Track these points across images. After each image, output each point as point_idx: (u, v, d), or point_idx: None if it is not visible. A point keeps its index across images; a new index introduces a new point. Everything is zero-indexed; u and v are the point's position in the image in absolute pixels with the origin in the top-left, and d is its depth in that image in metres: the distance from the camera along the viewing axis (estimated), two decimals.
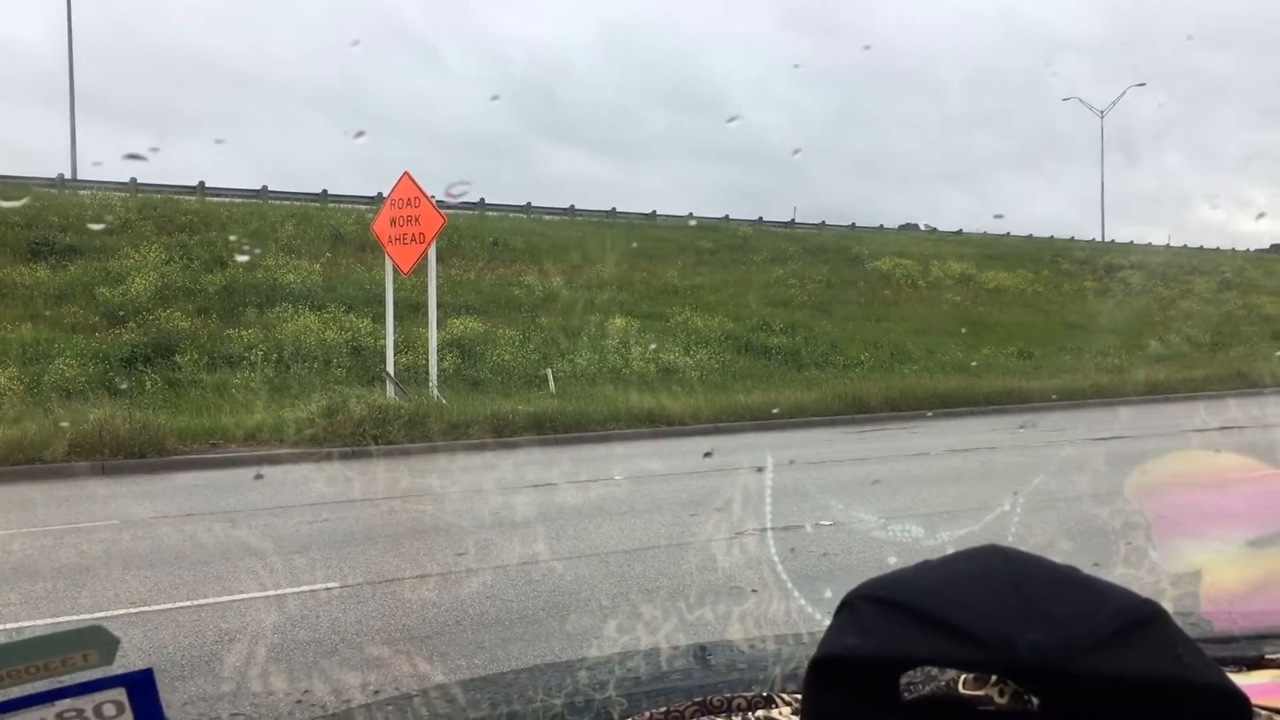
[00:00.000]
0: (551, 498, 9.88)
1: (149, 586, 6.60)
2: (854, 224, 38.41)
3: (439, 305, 18.54)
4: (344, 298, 22.14)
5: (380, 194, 22.08)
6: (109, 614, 5.94)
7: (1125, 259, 36.17)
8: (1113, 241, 42.01)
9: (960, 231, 38.82)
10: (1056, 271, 34.29)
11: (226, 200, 28.28)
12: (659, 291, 26.75)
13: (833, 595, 0.83)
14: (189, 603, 6.15)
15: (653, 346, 22.18)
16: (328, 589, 6.39)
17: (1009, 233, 39.46)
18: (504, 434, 15.03)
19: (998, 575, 0.77)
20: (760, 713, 1.02)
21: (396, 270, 17.38)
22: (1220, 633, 1.14)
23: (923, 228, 38.13)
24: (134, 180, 27.27)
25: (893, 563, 0.87)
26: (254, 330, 19.97)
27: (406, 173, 17.11)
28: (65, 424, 12.97)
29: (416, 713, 1.15)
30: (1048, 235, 40.34)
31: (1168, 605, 1.11)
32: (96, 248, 22.77)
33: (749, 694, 1.05)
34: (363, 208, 27.55)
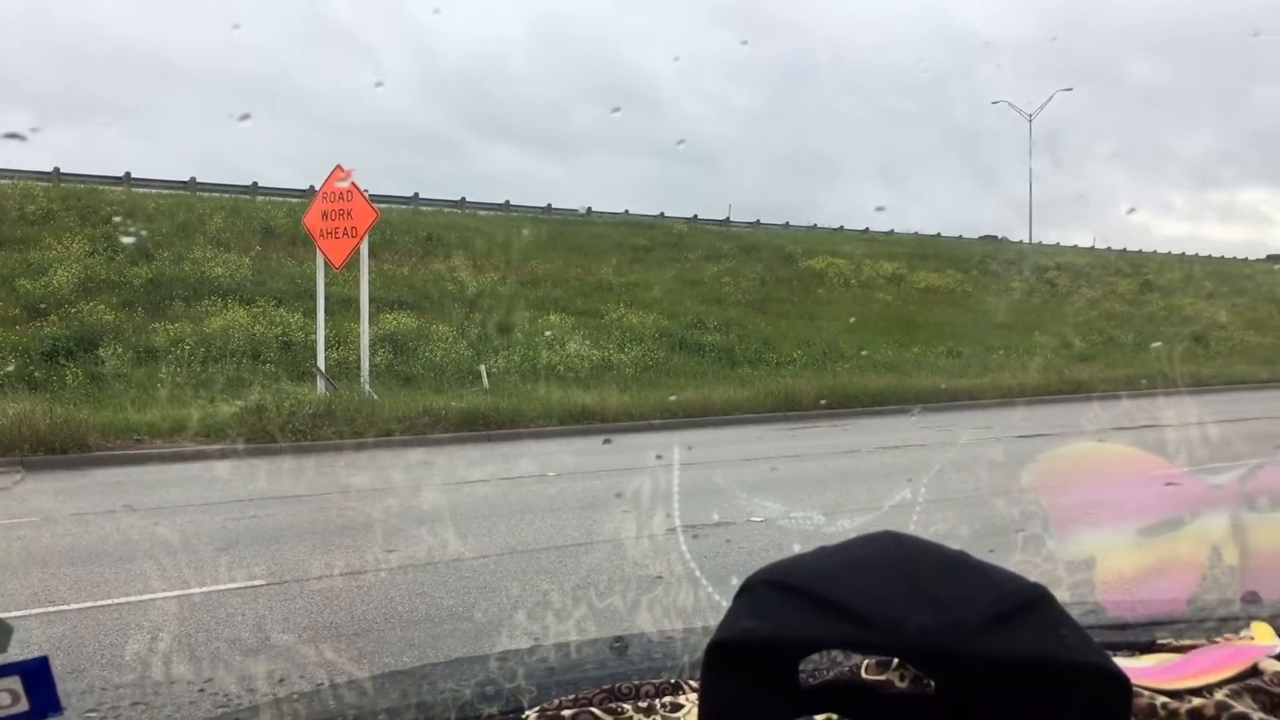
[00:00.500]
0: (482, 493, 9.84)
1: (68, 585, 6.45)
2: (788, 223, 38.74)
3: (371, 300, 18.37)
4: (274, 292, 21.82)
5: (312, 187, 21.79)
6: (26, 613, 5.79)
7: (1051, 260, 36.89)
8: (1040, 243, 42.83)
9: (892, 232, 39.34)
10: (985, 272, 34.87)
11: (154, 191, 27.72)
12: (594, 288, 26.75)
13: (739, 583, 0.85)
14: (108, 601, 6.03)
15: (586, 344, 22.19)
16: (253, 586, 6.30)
17: (939, 233, 40.08)
18: (436, 430, 14.94)
19: (891, 560, 0.79)
20: (668, 699, 1.03)
21: (328, 264, 17.17)
22: (1115, 619, 1.18)
23: (876, 216, 38.53)
24: (57, 170, 26.61)
25: (797, 549, 0.88)
26: (181, 324, 19.61)
27: (339, 165, 16.94)
28: None
29: (325, 705, 1.14)
30: (977, 236, 41.05)
31: (1065, 593, 1.14)
32: (17, 239, 22.20)
33: (657, 681, 1.06)
34: (294, 201, 27.16)
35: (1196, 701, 0.88)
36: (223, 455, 12.75)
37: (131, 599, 6.10)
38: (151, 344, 18.74)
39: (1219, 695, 0.90)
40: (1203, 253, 45.77)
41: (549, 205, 34.65)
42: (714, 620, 0.83)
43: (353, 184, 16.78)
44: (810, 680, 1.03)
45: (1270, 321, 34.23)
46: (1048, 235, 47.19)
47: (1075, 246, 41.89)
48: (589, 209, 35.00)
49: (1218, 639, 1.13)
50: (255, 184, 29.59)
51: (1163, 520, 1.06)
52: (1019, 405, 19.13)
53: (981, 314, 30.16)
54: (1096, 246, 43.04)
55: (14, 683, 0.76)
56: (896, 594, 0.75)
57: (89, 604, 5.98)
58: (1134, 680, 1.00)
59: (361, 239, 16.80)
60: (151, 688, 4.30)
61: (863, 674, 1.02)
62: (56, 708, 0.77)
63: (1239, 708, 0.87)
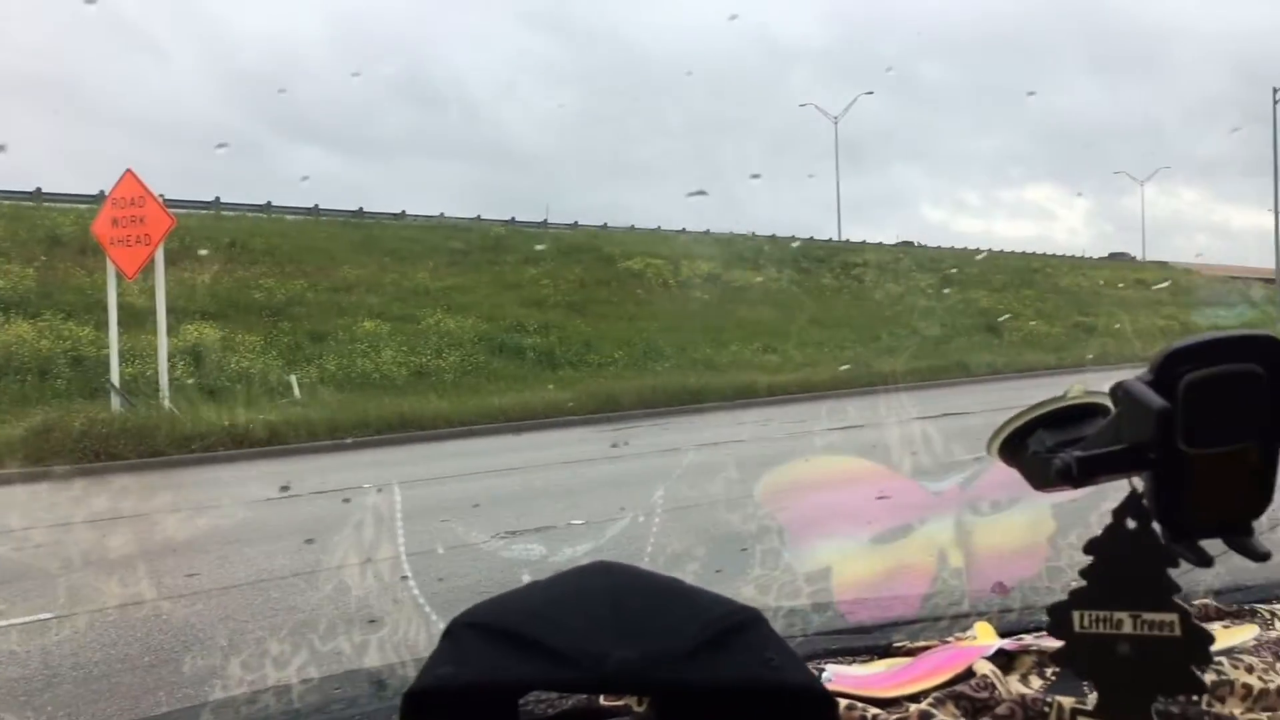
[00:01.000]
0: (286, 511, 9.50)
1: None
2: (606, 224, 38.99)
3: (171, 311, 17.54)
4: (62, 304, 20.54)
5: (102, 192, 20.63)
6: None
7: (859, 257, 38.38)
8: (848, 241, 44.46)
9: (708, 232, 40.11)
10: (797, 270, 35.97)
11: None
12: (410, 293, 26.27)
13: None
14: None
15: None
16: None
17: (753, 233, 41.08)
18: (243, 445, 14.39)
19: (597, 593, 0.78)
20: None
21: (120, 274, 16.31)
22: (854, 624, 1.21)
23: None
24: None
25: (526, 579, 0.86)
26: None
27: (129, 170, 16.11)
28: None
29: None
30: (788, 235, 42.27)
31: (805, 601, 1.16)
32: None
33: None
34: (82, 207, 25.59)
35: (904, 710, 0.91)
36: (5, 481, 11.91)
37: None
38: None
39: (924, 704, 0.93)
40: (995, 247, 48.53)
41: (361, 209, 33.81)
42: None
43: (145, 189, 15.99)
44: (548, 711, 1.02)
45: (1057, 312, 36.60)
46: (855, 233, 49.14)
47: (880, 244, 43.68)
48: (403, 212, 34.38)
49: (949, 639, 1.17)
50: (39, 189, 27.79)
51: (892, 527, 1.09)
52: (829, 399, 19.82)
53: (794, 311, 31.09)
54: (900, 243, 45.02)
55: None
56: (600, 628, 0.74)
57: None
58: (856, 689, 1.03)
59: (156, 246, 16.01)
60: None
61: (601, 700, 1.01)
62: None
63: (940, 716, 0.90)
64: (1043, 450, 0.83)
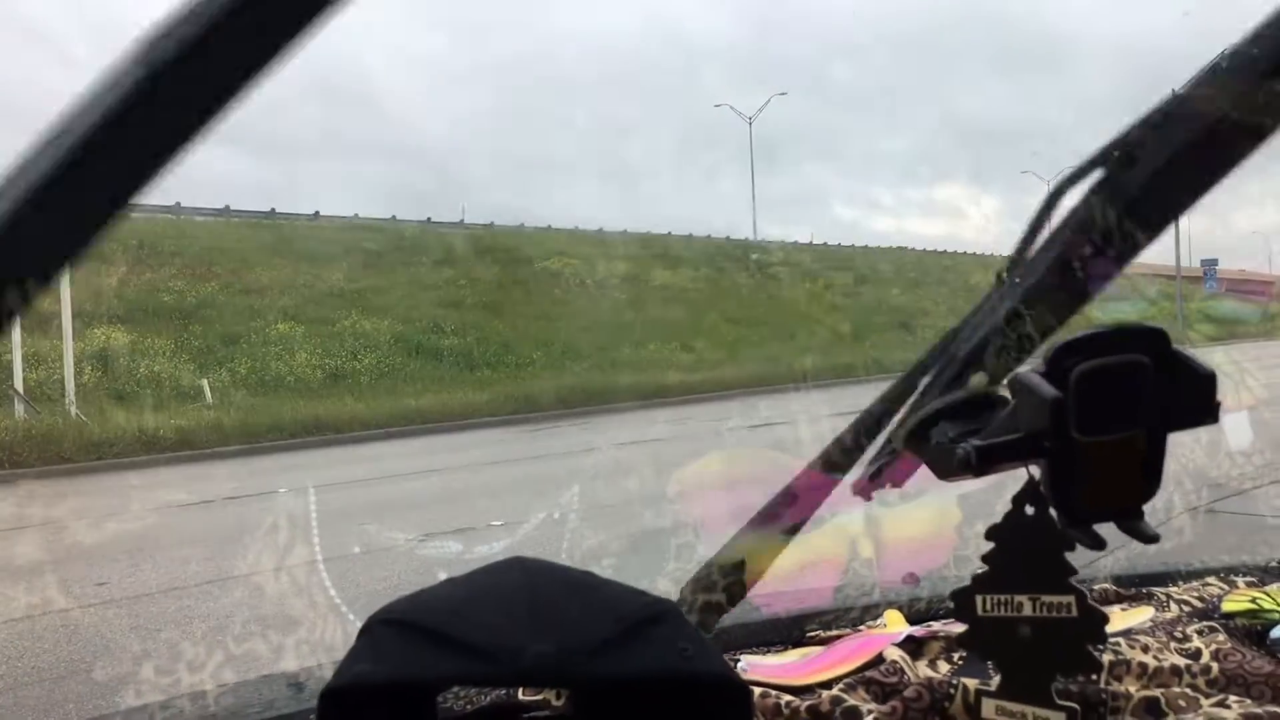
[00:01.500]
0: (199, 517, 9.29)
1: None
2: (523, 224, 38.82)
3: (76, 315, 17.07)
4: None
5: None
6: None
7: (775, 256, 38.76)
8: (764, 240, 44.89)
9: (625, 231, 40.16)
10: (714, 269, 36.21)
11: None
12: (324, 295, 25.87)
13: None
14: None
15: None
16: None
17: (670, 232, 41.22)
18: (153, 450, 14.04)
19: (513, 588, 0.79)
20: None
21: None
22: (769, 616, 1.23)
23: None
24: None
25: (442, 577, 0.86)
26: None
27: None
28: None
29: None
30: (705, 234, 42.51)
31: (720, 596, 1.18)
32: None
33: None
34: None
35: (817, 697, 0.93)
36: None
37: None
38: None
39: (836, 689, 0.95)
40: (908, 245, 49.43)
41: (273, 209, 33.20)
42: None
43: None
44: (466, 707, 1.02)
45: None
46: (770, 232, 49.65)
47: (796, 243, 44.17)
48: (316, 213, 33.83)
49: (861, 627, 1.20)
50: None
51: (804, 519, 1.11)
52: (744, 396, 19.98)
53: (711, 310, 31.29)
54: (815, 242, 45.59)
55: None
56: (516, 623, 0.75)
57: None
58: (771, 677, 1.05)
59: None
60: None
61: (520, 694, 1.01)
62: None
63: (851, 700, 0.92)
64: (945, 440, 0.85)
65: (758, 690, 0.95)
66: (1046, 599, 0.83)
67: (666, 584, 1.10)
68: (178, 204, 31.02)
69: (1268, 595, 1.15)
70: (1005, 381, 0.81)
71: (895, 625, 1.16)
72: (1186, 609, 1.21)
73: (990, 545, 0.86)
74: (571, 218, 40.58)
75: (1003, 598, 0.85)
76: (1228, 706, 0.89)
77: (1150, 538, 0.78)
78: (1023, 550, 0.84)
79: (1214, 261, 45.94)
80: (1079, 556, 0.83)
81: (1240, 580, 1.32)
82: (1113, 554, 1.17)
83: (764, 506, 1.08)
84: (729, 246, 40.57)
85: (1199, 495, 1.45)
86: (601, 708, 0.84)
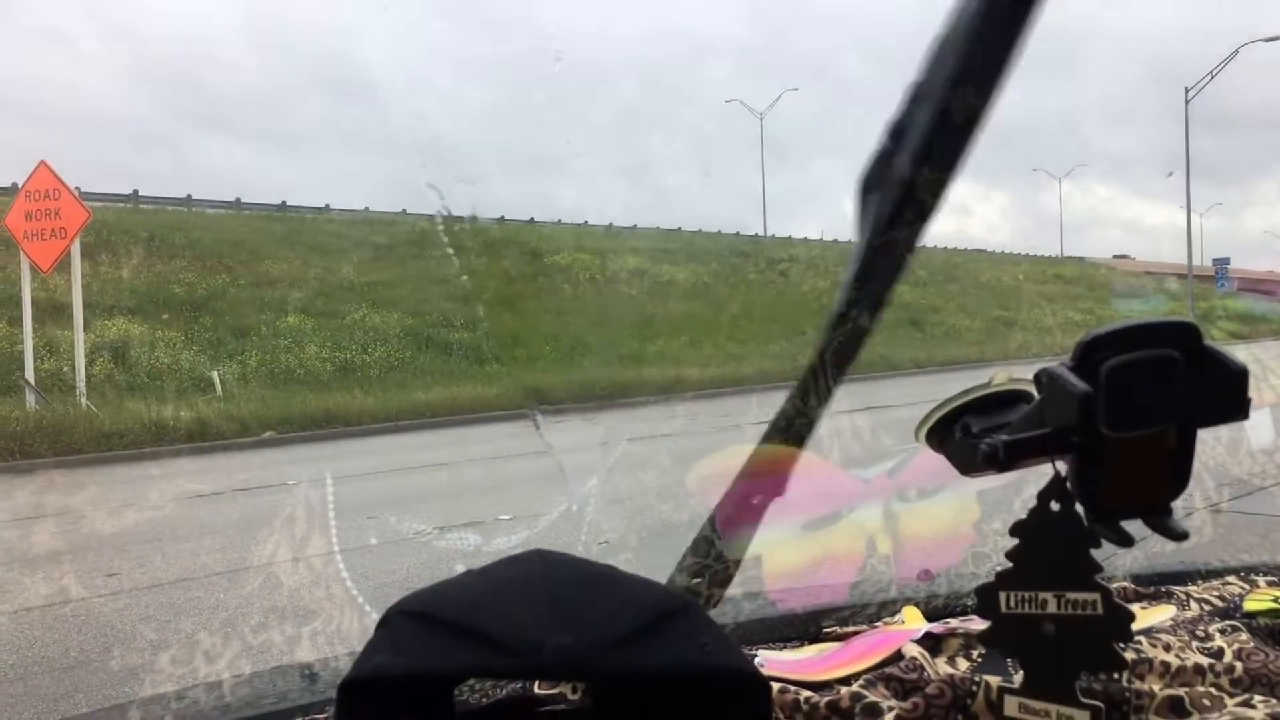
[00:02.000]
0: (212, 507, 9.32)
1: None
2: (533, 218, 38.86)
3: (88, 306, 17.14)
4: None
5: (15, 184, 20.02)
6: None
7: (784, 253, 38.73)
8: (774, 236, 44.87)
9: (635, 227, 40.19)
10: (723, 265, 36.20)
11: None
12: (334, 288, 25.93)
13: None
14: None
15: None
16: None
17: (680, 228, 41.23)
18: (164, 442, 14.09)
19: (533, 581, 0.78)
20: None
21: (35, 269, 15.90)
22: (785, 611, 1.22)
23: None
24: None
25: (460, 569, 0.86)
26: None
27: (43, 162, 15.72)
28: None
29: None
30: (715, 230, 42.51)
31: (737, 589, 1.17)
32: None
33: (321, 716, 1.02)
34: None
35: (836, 693, 0.92)
36: None
37: None
38: None
39: (855, 686, 0.94)
40: (919, 242, 49.21)
41: (284, 202, 33.32)
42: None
43: (60, 181, 15.59)
44: (483, 700, 1.02)
45: (978, 307, 37.28)
46: (781, 228, 49.58)
47: (805, 239, 44.13)
48: (327, 206, 33.91)
49: (877, 624, 1.19)
50: None
51: (822, 515, 1.11)
52: (757, 392, 19.95)
53: (720, 305, 31.29)
54: (824, 238, 45.53)
55: None
56: (537, 616, 0.74)
57: None
58: (788, 673, 1.04)
59: (72, 240, 15.64)
60: None
61: (535, 689, 1.01)
62: None
63: (871, 696, 0.91)
64: (969, 436, 0.85)
65: (776, 686, 0.94)
66: (1072, 596, 0.82)
67: (682, 578, 1.10)
68: (189, 196, 31.16)
69: None
70: (1032, 376, 0.80)
71: (913, 622, 1.15)
72: (1207, 608, 1.20)
73: (1015, 541, 0.85)
74: (581, 213, 40.59)
75: (1027, 594, 0.84)
76: (1253, 706, 0.88)
77: (1180, 535, 0.77)
78: (1048, 547, 0.83)
79: (1226, 260, 45.84)
80: (1097, 555, 0.83)
81: (1261, 579, 1.31)
82: (1130, 552, 1.16)
83: (783, 502, 1.07)
84: (739, 243, 40.55)
85: (1219, 493, 1.44)
86: (620, 701, 0.83)
